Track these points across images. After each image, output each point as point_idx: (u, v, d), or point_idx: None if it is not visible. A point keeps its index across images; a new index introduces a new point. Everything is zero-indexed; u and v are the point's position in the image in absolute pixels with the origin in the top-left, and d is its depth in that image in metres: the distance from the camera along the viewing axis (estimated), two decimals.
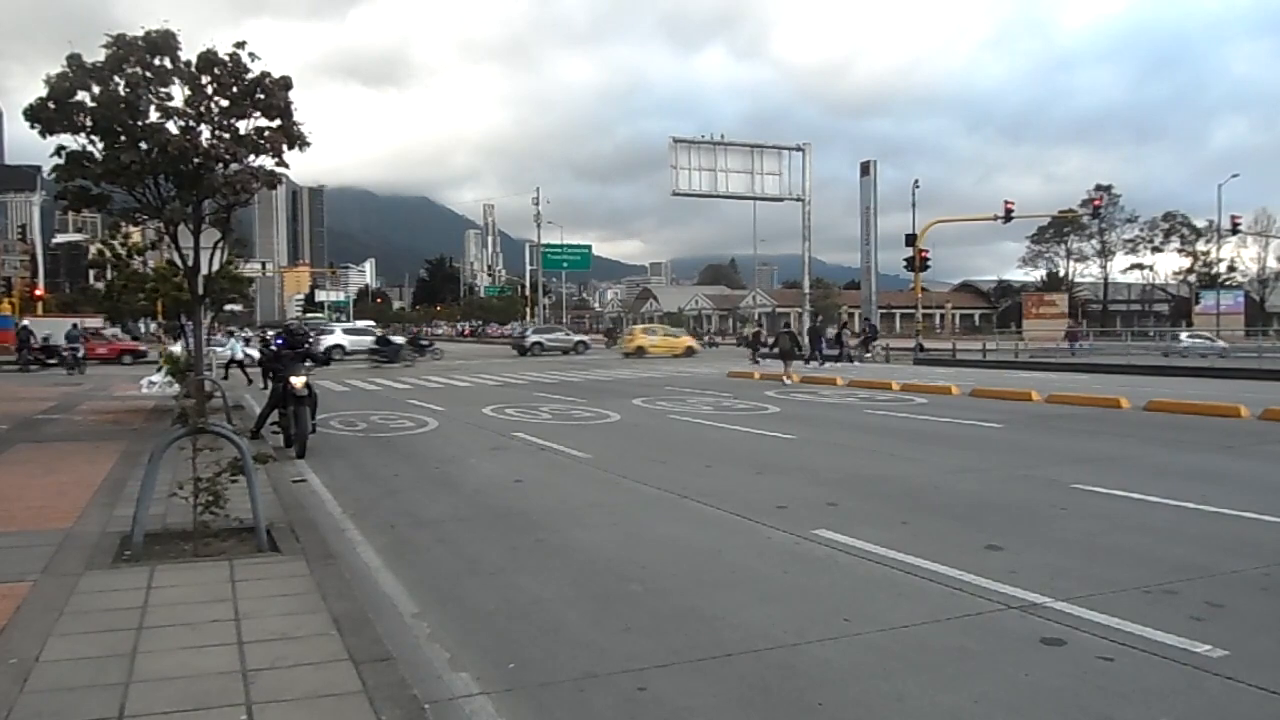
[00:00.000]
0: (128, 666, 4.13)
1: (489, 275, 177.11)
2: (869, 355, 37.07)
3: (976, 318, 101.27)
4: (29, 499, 8.16)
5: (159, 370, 21.87)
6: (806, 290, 48.46)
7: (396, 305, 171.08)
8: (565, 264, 77.24)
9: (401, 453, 11.78)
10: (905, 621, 4.91)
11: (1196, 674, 4.17)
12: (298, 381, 11.44)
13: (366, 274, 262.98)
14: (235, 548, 6.13)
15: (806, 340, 34.41)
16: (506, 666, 4.39)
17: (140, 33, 13.14)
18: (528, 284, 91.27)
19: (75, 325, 38.16)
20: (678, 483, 9.14)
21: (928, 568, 5.90)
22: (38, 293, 57.75)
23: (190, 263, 14.79)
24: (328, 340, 42.43)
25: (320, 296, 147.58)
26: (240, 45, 13.63)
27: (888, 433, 13.44)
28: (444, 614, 5.19)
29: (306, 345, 12.58)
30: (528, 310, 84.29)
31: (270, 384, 12.45)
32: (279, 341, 13.37)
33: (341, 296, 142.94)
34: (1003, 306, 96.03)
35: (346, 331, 45.32)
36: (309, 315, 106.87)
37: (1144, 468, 9.96)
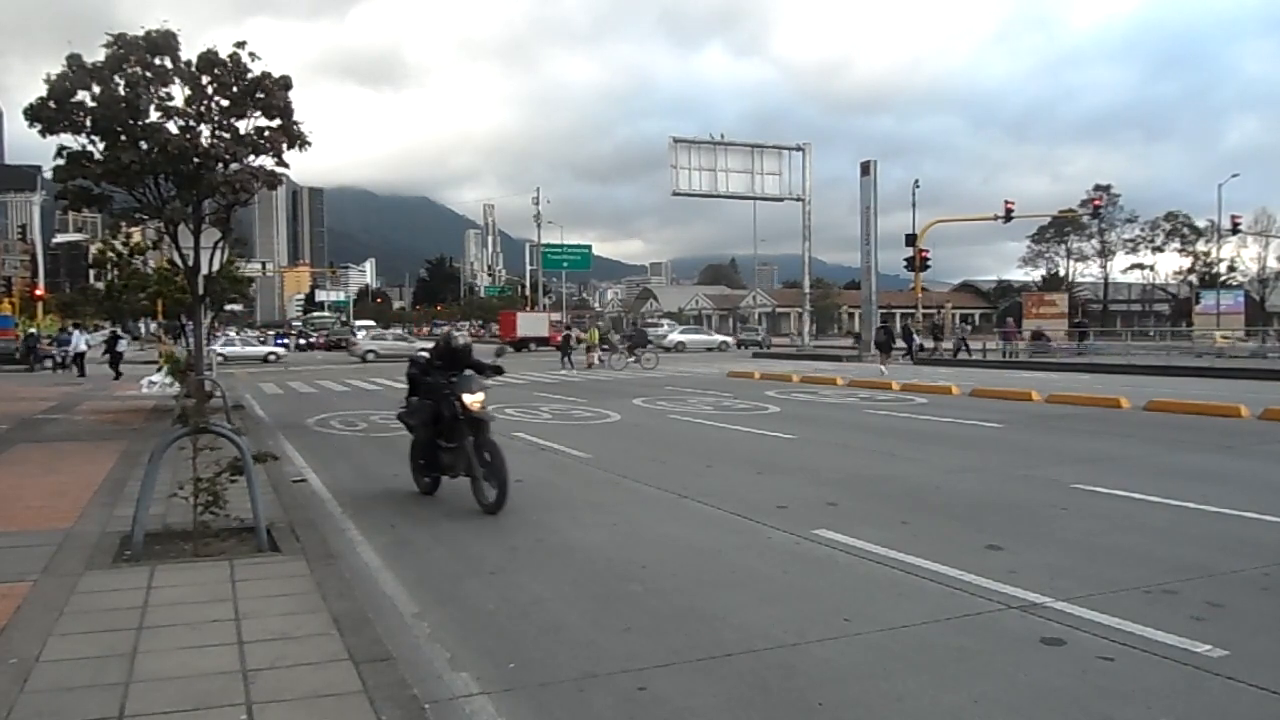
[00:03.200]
0: (128, 666, 4.13)
1: (489, 275, 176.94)
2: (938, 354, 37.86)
3: (976, 317, 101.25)
4: (29, 499, 8.17)
5: (159, 370, 21.87)
6: (807, 290, 48.42)
7: (397, 305, 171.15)
8: (565, 264, 77.23)
9: (402, 453, 11.72)
10: (905, 621, 4.91)
11: (1197, 674, 4.17)
12: (474, 400, 7.89)
13: (367, 274, 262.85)
14: (235, 548, 6.14)
15: (901, 338, 36.58)
16: (506, 666, 4.39)
17: (140, 32, 13.16)
18: (528, 284, 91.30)
19: (75, 325, 38.27)
20: (678, 483, 9.14)
21: (928, 568, 5.90)
22: (38, 293, 57.77)
23: (190, 263, 14.80)
24: (675, 337, 52.08)
25: (320, 296, 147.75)
26: (240, 45, 13.66)
27: (888, 433, 13.43)
28: (444, 614, 5.19)
29: (471, 360, 8.56)
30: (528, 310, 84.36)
31: (411, 405, 8.86)
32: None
33: (341, 296, 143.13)
34: (1002, 306, 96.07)
35: (683, 331, 56.47)
36: (312, 315, 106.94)
37: (1144, 468, 9.96)
